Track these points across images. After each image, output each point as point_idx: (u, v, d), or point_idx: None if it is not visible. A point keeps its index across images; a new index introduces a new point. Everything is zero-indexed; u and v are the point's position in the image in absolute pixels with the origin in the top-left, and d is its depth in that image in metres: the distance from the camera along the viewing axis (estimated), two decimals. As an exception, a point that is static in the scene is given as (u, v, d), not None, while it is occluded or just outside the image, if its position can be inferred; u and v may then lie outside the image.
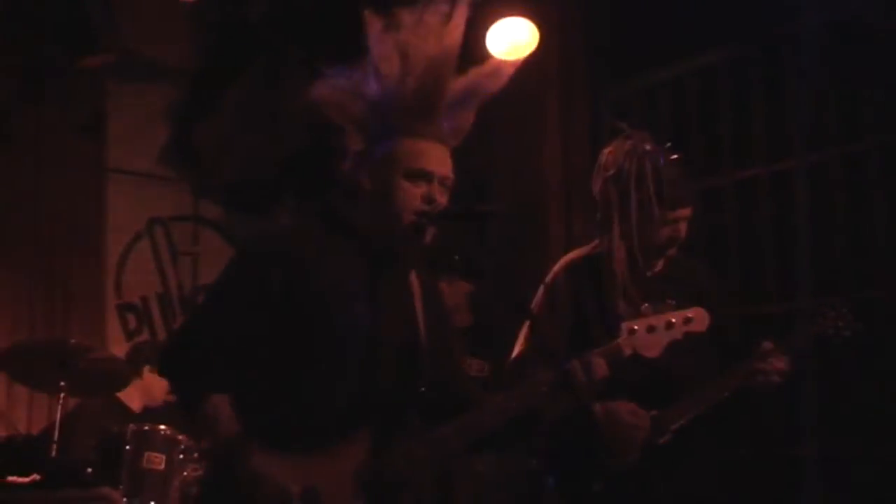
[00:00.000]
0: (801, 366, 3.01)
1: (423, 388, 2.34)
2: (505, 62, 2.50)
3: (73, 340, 4.52)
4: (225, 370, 2.28)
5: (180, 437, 4.25)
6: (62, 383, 4.32)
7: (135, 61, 5.52)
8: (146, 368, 4.82)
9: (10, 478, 3.66)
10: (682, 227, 3.00)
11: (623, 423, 2.87)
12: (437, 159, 2.35)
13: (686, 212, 2.99)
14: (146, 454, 4.18)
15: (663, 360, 2.69)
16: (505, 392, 2.35)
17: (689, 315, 2.49)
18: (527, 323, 2.98)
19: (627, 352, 2.42)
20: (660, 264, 3.03)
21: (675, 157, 3.02)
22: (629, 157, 2.97)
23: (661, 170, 2.95)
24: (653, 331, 2.44)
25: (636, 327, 2.44)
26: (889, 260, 4.14)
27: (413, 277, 2.44)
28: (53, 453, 4.16)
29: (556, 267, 3.12)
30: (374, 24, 2.33)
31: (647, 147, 2.99)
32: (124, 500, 4.01)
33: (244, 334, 2.28)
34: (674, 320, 2.45)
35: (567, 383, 2.32)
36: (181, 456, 4.23)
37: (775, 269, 4.49)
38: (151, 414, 4.76)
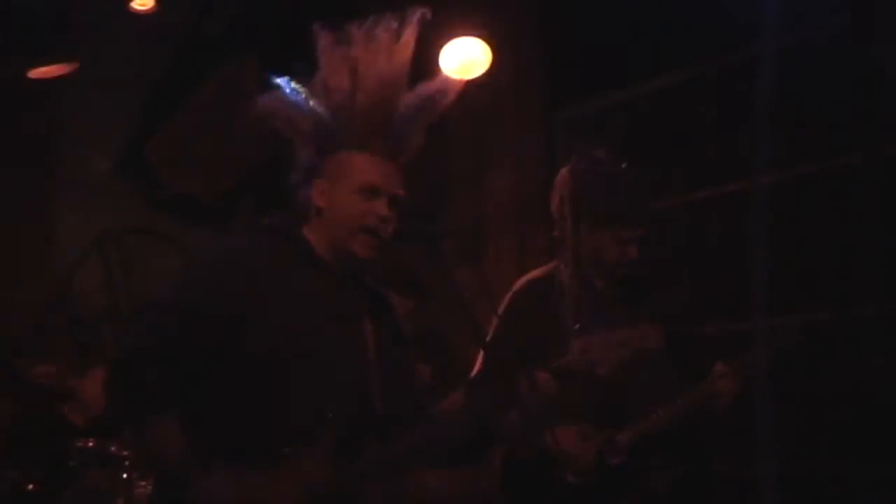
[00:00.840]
0: (754, 387, 3.02)
1: (376, 409, 2.32)
2: (454, 79, 2.50)
3: (18, 358, 4.43)
4: (170, 390, 2.24)
5: (125, 453, 4.17)
6: (5, 396, 4.22)
7: (87, 72, 5.44)
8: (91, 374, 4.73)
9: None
10: (633, 248, 3.00)
11: (572, 446, 2.92)
12: (389, 176, 2.34)
13: (635, 232, 3.01)
14: (90, 472, 4.10)
15: (619, 380, 2.72)
16: (458, 408, 2.32)
17: (642, 333, 2.45)
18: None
19: (579, 369, 2.38)
20: (613, 284, 3.03)
21: (630, 176, 3.06)
22: (583, 176, 3.02)
23: (612, 189, 2.99)
24: (605, 348, 2.38)
25: (588, 347, 2.39)
26: (840, 281, 4.18)
27: (362, 293, 2.41)
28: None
29: (515, 286, 3.17)
30: (323, 38, 2.34)
31: (604, 167, 3.04)
32: (67, 518, 3.93)
33: (190, 353, 2.25)
34: (628, 338, 2.40)
35: (514, 399, 2.28)
36: (125, 474, 4.15)
37: (726, 289, 4.51)
38: (96, 429, 4.66)
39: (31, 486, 3.89)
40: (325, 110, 2.32)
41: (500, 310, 3.16)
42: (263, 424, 2.22)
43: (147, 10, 5.30)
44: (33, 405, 4.54)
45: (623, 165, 3.10)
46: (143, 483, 4.15)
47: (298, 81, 2.35)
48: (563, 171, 3.11)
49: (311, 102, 2.32)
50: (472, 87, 2.63)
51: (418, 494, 4.39)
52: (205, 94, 6.03)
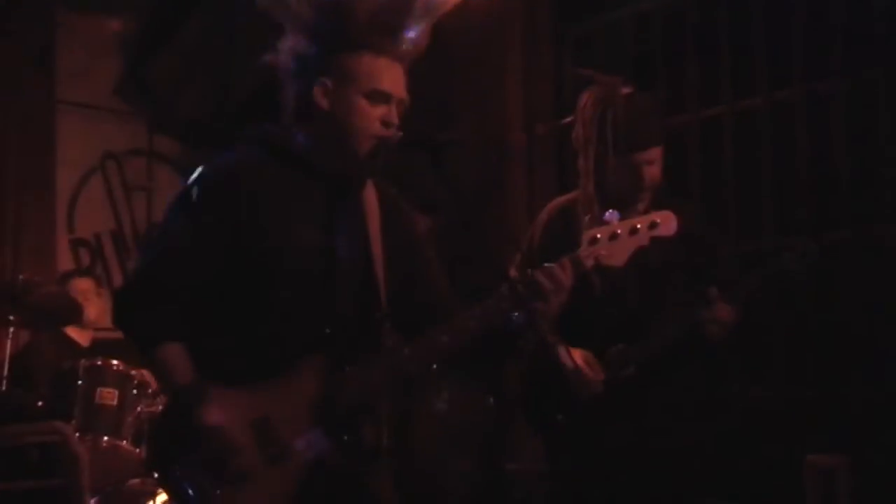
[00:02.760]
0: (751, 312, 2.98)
1: (378, 314, 2.26)
2: None
3: (22, 275, 4.42)
4: (178, 314, 2.21)
5: (133, 372, 4.19)
6: (12, 318, 4.22)
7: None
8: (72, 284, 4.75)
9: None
10: (649, 171, 2.98)
11: (577, 370, 2.91)
12: (397, 80, 2.27)
13: (649, 154, 2.98)
14: (99, 390, 4.12)
15: (631, 287, 2.69)
16: (466, 311, 2.22)
17: (656, 219, 2.26)
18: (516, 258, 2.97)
19: (589, 263, 2.24)
20: (640, 208, 2.99)
21: (642, 99, 3.03)
22: (598, 103, 2.99)
23: (624, 114, 2.94)
24: (615, 238, 2.23)
25: (598, 235, 2.24)
26: (854, 201, 4.14)
27: (370, 199, 2.35)
28: (3, 388, 4.07)
29: (543, 212, 3.17)
30: None
31: (619, 92, 2.99)
32: (77, 434, 3.94)
33: (197, 271, 2.21)
34: (639, 225, 2.24)
35: (520, 299, 2.18)
36: (134, 391, 4.18)
37: (739, 208, 4.47)
38: (102, 348, 4.67)
39: (39, 403, 3.90)
40: (331, 4, 2.23)
41: (528, 235, 3.15)
42: (264, 336, 2.19)
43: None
44: (42, 326, 4.55)
45: (632, 90, 3.02)
46: (151, 402, 4.18)
47: None
48: (583, 99, 3.06)
49: None
50: (478, 5, 2.53)
51: (424, 416, 4.44)
52: (207, 14, 5.92)
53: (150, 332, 2.21)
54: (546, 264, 2.24)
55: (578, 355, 2.94)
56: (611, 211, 2.29)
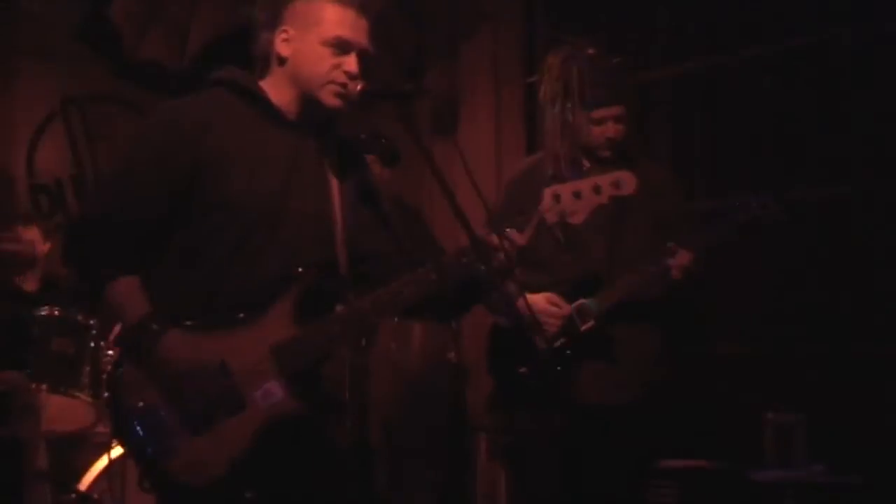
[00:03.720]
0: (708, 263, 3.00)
1: (339, 265, 2.25)
2: None
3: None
4: (133, 250, 2.19)
5: (91, 321, 4.13)
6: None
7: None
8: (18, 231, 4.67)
9: None
10: (613, 127, 3.06)
11: (541, 311, 2.97)
12: (358, 29, 2.25)
13: (612, 111, 3.05)
14: (55, 339, 4.05)
15: (593, 239, 2.71)
16: (426, 264, 2.23)
17: (616, 178, 2.33)
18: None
19: (552, 218, 2.28)
20: (600, 164, 3.05)
21: (608, 59, 3.10)
22: (565, 62, 3.06)
23: (589, 72, 3.02)
24: (578, 196, 2.27)
25: (560, 193, 2.28)
26: (819, 157, 4.15)
27: (329, 147, 2.33)
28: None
29: (514, 167, 3.28)
30: None
31: (586, 52, 3.07)
32: (32, 385, 3.89)
33: (148, 214, 2.19)
34: (600, 184, 2.29)
35: (482, 251, 2.19)
36: (91, 343, 4.12)
37: (705, 166, 4.47)
38: (51, 294, 4.58)
39: (-6, 353, 3.84)
40: None
41: (495, 197, 3.21)
42: (224, 281, 2.17)
43: None
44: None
45: (605, 53, 3.11)
46: (110, 352, 4.13)
47: None
48: (548, 59, 3.13)
49: None
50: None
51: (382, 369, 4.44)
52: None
53: (102, 266, 2.18)
54: (507, 224, 2.26)
55: (541, 298, 3.00)
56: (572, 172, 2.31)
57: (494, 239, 2.21)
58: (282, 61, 2.25)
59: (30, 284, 4.69)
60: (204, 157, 2.18)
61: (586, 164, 3.11)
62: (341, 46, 2.22)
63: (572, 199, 2.27)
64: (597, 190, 2.28)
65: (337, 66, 2.21)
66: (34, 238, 4.71)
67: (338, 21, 2.22)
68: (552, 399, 2.99)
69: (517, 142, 4.86)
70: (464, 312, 2.53)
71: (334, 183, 2.30)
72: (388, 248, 2.37)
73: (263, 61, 2.29)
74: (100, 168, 5.82)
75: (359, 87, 2.22)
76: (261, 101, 2.26)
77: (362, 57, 2.26)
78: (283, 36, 2.25)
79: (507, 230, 2.24)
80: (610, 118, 3.04)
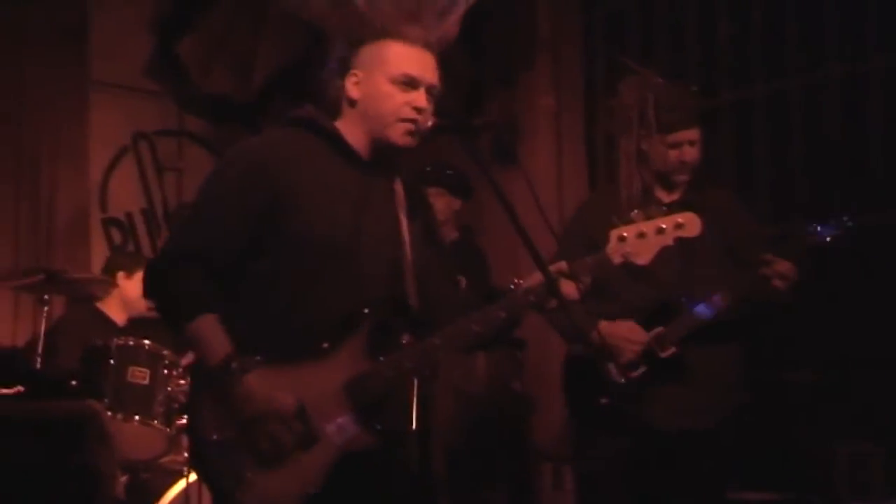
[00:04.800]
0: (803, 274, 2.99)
1: (409, 301, 2.29)
2: None
3: (59, 255, 4.48)
4: (211, 284, 2.23)
5: (165, 351, 4.22)
6: (46, 296, 4.27)
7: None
8: (121, 275, 4.78)
9: (-7, 388, 3.63)
10: (689, 151, 3.10)
11: (619, 338, 2.98)
12: (425, 66, 2.30)
13: (688, 134, 3.09)
14: (130, 368, 4.14)
15: (665, 273, 2.75)
16: (495, 302, 2.27)
17: (680, 220, 2.34)
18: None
19: (617, 260, 2.31)
20: (676, 193, 3.12)
21: (678, 85, 3.21)
22: (637, 89, 3.13)
23: (661, 97, 3.08)
24: (643, 237, 2.30)
25: (625, 234, 2.31)
26: (885, 183, 4.09)
27: (398, 187, 2.38)
28: (37, 365, 4.13)
29: (580, 205, 3.35)
30: None
31: (655, 80, 3.15)
32: (108, 413, 3.99)
33: (230, 247, 2.24)
34: (664, 225, 2.31)
35: (552, 291, 2.23)
36: (165, 371, 4.21)
37: (770, 190, 4.44)
38: (136, 327, 4.73)
39: (73, 382, 3.94)
40: (361, 4, 2.29)
41: (567, 224, 3.30)
42: (297, 317, 2.22)
43: None
44: (76, 305, 4.60)
45: (672, 80, 3.21)
46: (182, 381, 4.21)
47: None
48: (621, 88, 3.20)
49: None
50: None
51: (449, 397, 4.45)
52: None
53: (181, 301, 2.22)
54: (574, 261, 2.30)
55: (619, 326, 3.02)
56: (636, 212, 2.35)
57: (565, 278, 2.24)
58: (353, 103, 2.31)
59: (118, 314, 4.81)
60: (280, 194, 2.23)
61: (660, 192, 3.13)
62: (408, 83, 2.26)
63: (637, 240, 2.31)
64: (660, 231, 2.31)
65: (406, 103, 2.26)
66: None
67: (404, 59, 2.27)
68: (631, 427, 3.00)
69: (578, 170, 4.87)
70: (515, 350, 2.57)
71: (404, 220, 2.35)
72: (444, 287, 2.43)
73: (335, 104, 2.34)
74: (168, 201, 5.97)
75: (429, 123, 2.27)
76: (336, 140, 2.32)
77: (431, 93, 2.30)
78: (354, 79, 2.31)
79: (575, 266, 2.28)
80: (685, 142, 3.07)
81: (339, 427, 2.18)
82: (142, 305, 4.75)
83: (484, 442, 4.73)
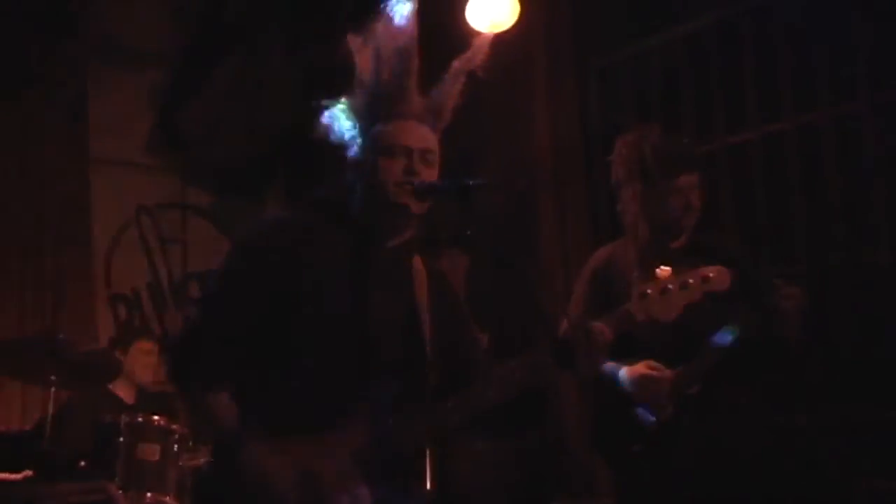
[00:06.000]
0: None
1: (426, 369, 2.31)
2: (482, 36, 2.50)
3: (61, 334, 4.49)
4: (223, 365, 2.30)
5: (174, 426, 4.21)
6: (53, 377, 4.27)
7: (115, 48, 5.43)
8: (135, 346, 4.80)
9: (1, 474, 3.61)
10: (693, 195, 3.12)
11: (647, 379, 2.98)
12: (414, 135, 2.37)
13: (690, 179, 3.12)
14: (140, 445, 4.15)
15: (686, 324, 2.73)
16: (509, 364, 2.26)
17: (709, 274, 2.26)
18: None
19: (640, 317, 2.26)
20: (682, 238, 3.14)
21: (675, 135, 3.25)
22: (635, 142, 3.17)
23: (659, 146, 3.12)
24: (666, 293, 2.24)
25: (648, 291, 2.25)
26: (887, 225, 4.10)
27: (417, 261, 2.44)
28: (46, 447, 4.12)
29: (590, 261, 3.32)
30: (354, 42, 2.43)
31: (653, 131, 3.19)
32: (120, 492, 3.97)
33: (241, 328, 2.30)
34: (691, 280, 2.25)
35: (568, 351, 2.21)
36: (176, 446, 4.19)
37: (770, 233, 4.45)
38: (145, 403, 4.73)
39: (82, 463, 3.93)
40: (360, 100, 2.39)
41: (577, 285, 3.26)
42: (305, 391, 2.23)
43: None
44: (83, 383, 4.59)
45: (670, 132, 3.23)
46: (190, 456, 4.20)
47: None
48: (619, 142, 3.23)
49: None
50: (502, 42, 2.59)
51: (463, 457, 4.43)
52: (231, 66, 6.02)
53: (197, 384, 2.29)
54: (593, 323, 2.26)
55: (641, 366, 3.01)
56: (661, 268, 2.30)
57: (582, 338, 2.21)
58: (359, 186, 2.38)
59: (126, 392, 4.81)
60: (284, 277, 2.28)
61: (671, 243, 3.15)
62: (397, 151, 2.34)
63: (661, 297, 2.25)
64: (685, 287, 2.26)
65: (396, 170, 2.32)
66: (150, 349, 4.84)
67: (392, 133, 2.36)
68: (667, 470, 2.97)
69: (582, 225, 4.89)
70: (533, 413, 2.55)
71: (421, 296, 2.38)
72: (471, 356, 2.43)
73: (348, 187, 2.41)
74: (174, 274, 6.00)
75: (415, 182, 2.31)
76: (348, 221, 2.38)
77: (426, 158, 2.35)
78: (354, 162, 2.39)
79: (595, 325, 2.25)
80: (689, 186, 3.10)
81: (354, 498, 2.18)
82: (145, 377, 4.76)
83: (507, 497, 4.68)
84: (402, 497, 2.25)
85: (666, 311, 2.25)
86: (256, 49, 6.07)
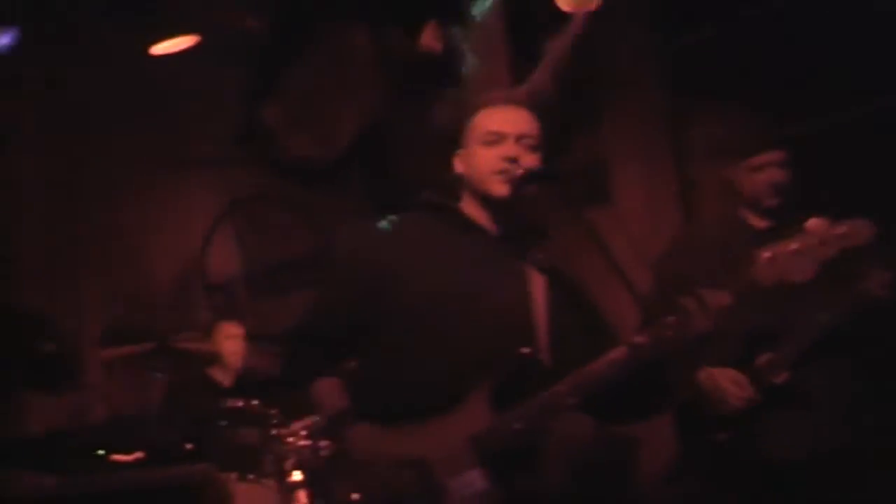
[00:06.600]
0: None
1: (539, 357, 2.30)
2: (575, 16, 2.50)
3: (165, 323, 4.64)
4: (331, 358, 2.42)
5: (273, 411, 4.32)
6: (157, 363, 4.43)
7: (204, 46, 5.56)
8: (221, 331, 4.95)
9: (116, 456, 3.76)
10: (776, 173, 3.06)
11: (724, 391, 2.94)
12: (509, 119, 2.38)
13: (772, 156, 3.07)
14: (239, 429, 4.26)
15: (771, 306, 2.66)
16: (625, 342, 2.20)
17: (845, 229, 2.10)
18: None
19: (768, 282, 2.12)
20: (769, 218, 3.10)
21: (761, 113, 3.26)
22: (715, 120, 3.34)
23: (741, 123, 3.16)
24: (799, 253, 2.10)
25: (774, 254, 2.11)
26: None
27: (536, 253, 2.42)
28: (153, 431, 4.27)
29: (676, 235, 3.33)
30: (443, 32, 2.49)
31: (735, 110, 3.29)
32: (222, 474, 4.09)
33: (340, 330, 2.41)
34: (826, 236, 2.09)
35: (683, 323, 2.12)
36: (274, 430, 4.30)
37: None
38: (242, 388, 4.86)
39: (188, 446, 4.06)
40: (456, 90, 2.43)
41: (657, 264, 3.23)
42: (418, 382, 2.27)
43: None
44: (184, 369, 4.75)
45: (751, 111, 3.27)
46: (291, 439, 4.29)
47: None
48: (700, 121, 3.37)
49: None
50: (588, 21, 2.60)
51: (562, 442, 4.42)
52: (314, 57, 6.10)
53: (305, 373, 2.42)
54: (713, 290, 2.17)
55: (725, 376, 2.95)
56: (813, 219, 2.15)
57: (695, 305, 2.12)
58: (462, 179, 2.43)
59: (224, 376, 4.97)
60: (385, 276, 2.34)
61: (752, 220, 3.11)
62: (495, 138, 2.35)
63: (792, 257, 2.12)
64: (823, 243, 2.12)
65: (496, 157, 2.33)
66: (234, 333, 5.01)
67: (488, 119, 2.39)
68: (751, 461, 2.94)
69: (671, 205, 4.85)
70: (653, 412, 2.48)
71: (538, 283, 2.36)
72: (586, 339, 2.37)
73: (454, 187, 2.45)
74: (265, 264, 6.13)
75: (519, 172, 2.31)
76: (455, 216, 2.42)
77: (523, 142, 2.36)
78: (458, 158, 2.44)
79: (709, 293, 2.14)
80: (772, 163, 3.06)
81: (466, 482, 2.18)
82: (233, 360, 4.90)
83: (593, 490, 4.67)
84: (517, 487, 2.22)
85: (800, 271, 2.11)
86: (340, 42, 6.14)
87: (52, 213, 5.47)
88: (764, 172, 3.05)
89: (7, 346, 3.72)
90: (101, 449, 3.73)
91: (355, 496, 2.22)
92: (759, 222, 3.12)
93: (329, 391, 2.36)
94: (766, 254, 2.13)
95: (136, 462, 3.76)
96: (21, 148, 5.35)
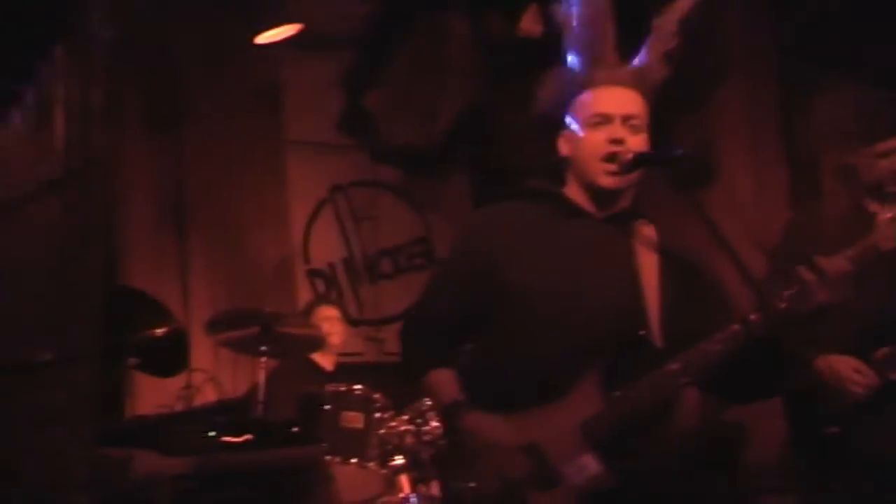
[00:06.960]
0: None
1: (650, 339, 2.25)
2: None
3: (269, 308, 4.71)
4: (446, 346, 2.43)
5: (376, 395, 4.36)
6: (263, 348, 4.50)
7: (307, 32, 5.62)
8: (318, 313, 5.02)
9: (226, 438, 3.84)
10: None
11: (844, 379, 2.85)
12: (615, 100, 2.32)
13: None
14: (344, 413, 4.31)
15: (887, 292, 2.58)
16: (738, 318, 2.15)
17: None
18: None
19: (888, 244, 2.08)
20: (893, 204, 2.92)
21: (884, 92, 3.12)
22: (837, 103, 3.18)
23: (864, 105, 3.04)
24: None
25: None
26: None
27: (645, 232, 2.36)
28: (259, 414, 4.35)
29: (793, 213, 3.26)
30: (549, 13, 2.45)
31: (856, 91, 3.19)
32: (328, 458, 4.14)
33: (454, 319, 2.41)
34: None
35: (801, 294, 2.07)
36: (377, 414, 4.34)
37: None
38: (344, 373, 4.91)
39: (295, 429, 4.12)
40: (562, 71, 2.39)
41: (775, 245, 3.16)
42: (527, 369, 2.26)
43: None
44: (289, 353, 4.82)
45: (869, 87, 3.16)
46: (394, 423, 4.33)
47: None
48: (818, 103, 3.31)
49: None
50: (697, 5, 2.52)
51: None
52: (414, 42, 6.12)
53: (419, 362, 2.44)
54: (818, 259, 2.11)
55: (845, 364, 2.88)
56: None
57: (812, 274, 2.07)
58: (568, 162, 2.38)
59: (326, 360, 5.04)
60: (498, 266, 2.32)
61: (873, 206, 3.01)
62: (600, 120, 2.29)
63: None
64: None
65: (602, 140, 2.27)
66: (332, 316, 5.08)
67: (593, 101, 2.32)
68: (864, 459, 2.85)
69: (778, 190, 4.73)
70: (768, 392, 2.41)
71: (648, 264, 2.32)
72: (701, 318, 2.29)
73: (559, 170, 2.41)
74: (366, 249, 6.19)
75: (629, 155, 2.25)
76: (560, 201, 2.38)
77: (629, 123, 2.29)
78: (563, 139, 2.38)
79: (821, 259, 2.09)
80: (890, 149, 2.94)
81: (579, 467, 2.16)
82: (335, 341, 4.96)
83: (697, 475, 4.60)
84: (631, 471, 2.19)
85: None
86: (439, 27, 6.15)
87: (158, 200, 5.60)
88: (888, 159, 2.93)
89: (121, 329, 3.82)
90: (212, 431, 3.81)
91: (472, 484, 2.21)
92: (880, 209, 3.00)
93: (444, 381, 2.36)
94: (887, 215, 2.09)
95: (245, 444, 3.83)
96: (128, 137, 5.49)
